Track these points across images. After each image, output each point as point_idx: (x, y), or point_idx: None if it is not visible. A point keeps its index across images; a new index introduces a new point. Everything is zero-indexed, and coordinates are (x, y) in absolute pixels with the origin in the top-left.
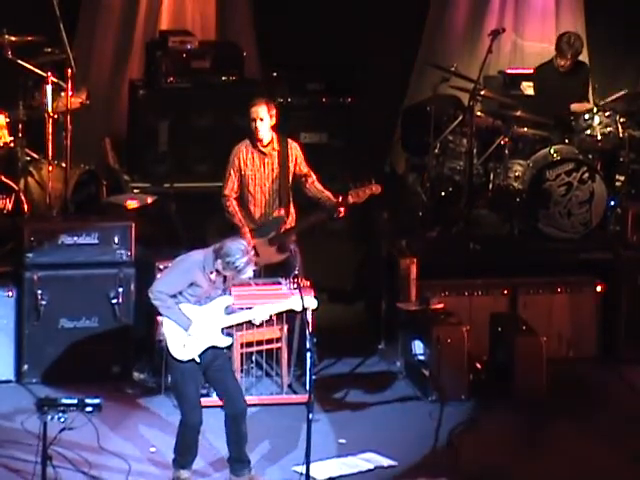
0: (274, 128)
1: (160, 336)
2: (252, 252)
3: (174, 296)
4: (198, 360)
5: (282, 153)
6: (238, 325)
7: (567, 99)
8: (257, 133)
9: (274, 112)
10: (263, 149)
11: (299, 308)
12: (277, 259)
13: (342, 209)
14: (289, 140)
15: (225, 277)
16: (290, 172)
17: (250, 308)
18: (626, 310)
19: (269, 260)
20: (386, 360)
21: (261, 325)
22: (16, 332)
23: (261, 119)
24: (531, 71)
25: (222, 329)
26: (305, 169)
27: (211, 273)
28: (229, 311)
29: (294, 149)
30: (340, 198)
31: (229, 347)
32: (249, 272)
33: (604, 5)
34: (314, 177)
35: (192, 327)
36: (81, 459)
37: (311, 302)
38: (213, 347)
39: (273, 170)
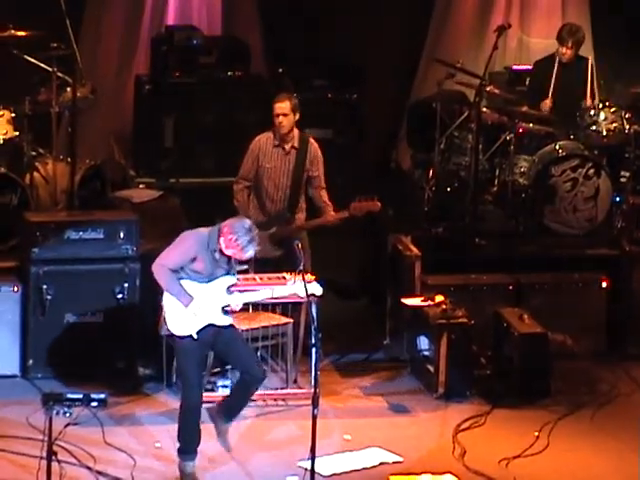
0: (297, 125)
1: (164, 331)
2: (256, 231)
3: (176, 272)
4: (195, 336)
5: (301, 151)
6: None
7: (566, 94)
8: (281, 128)
9: (298, 108)
10: (284, 145)
11: (302, 293)
12: (273, 255)
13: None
14: (311, 140)
15: (229, 257)
16: (305, 171)
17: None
18: (632, 306)
19: (265, 254)
20: (391, 356)
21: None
22: (21, 327)
23: (284, 114)
24: None
25: (222, 308)
26: (316, 173)
27: (214, 251)
28: (230, 292)
29: (314, 150)
30: (339, 213)
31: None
32: (251, 251)
33: (609, 2)
34: (322, 185)
35: (192, 303)
36: (86, 454)
37: (316, 289)
38: (213, 325)
39: (289, 167)
